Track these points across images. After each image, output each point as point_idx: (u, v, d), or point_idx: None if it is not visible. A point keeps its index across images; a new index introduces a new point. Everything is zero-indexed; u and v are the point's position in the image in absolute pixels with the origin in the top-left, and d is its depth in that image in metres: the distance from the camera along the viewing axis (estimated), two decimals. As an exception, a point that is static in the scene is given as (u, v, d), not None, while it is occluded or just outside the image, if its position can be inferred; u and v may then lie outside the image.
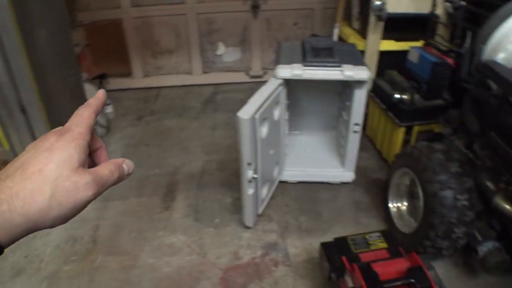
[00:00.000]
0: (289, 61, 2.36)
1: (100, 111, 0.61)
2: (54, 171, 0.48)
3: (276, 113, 2.37)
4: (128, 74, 4.29)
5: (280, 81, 2.28)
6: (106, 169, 0.55)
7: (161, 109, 3.94)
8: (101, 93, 0.62)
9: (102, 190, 0.53)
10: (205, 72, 4.39)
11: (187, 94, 4.25)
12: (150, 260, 2.26)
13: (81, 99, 2.56)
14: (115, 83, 4.26)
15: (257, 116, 1.98)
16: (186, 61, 4.30)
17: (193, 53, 4.26)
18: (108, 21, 3.99)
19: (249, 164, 2.05)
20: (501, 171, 1.79)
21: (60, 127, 0.56)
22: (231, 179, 2.78)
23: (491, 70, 1.66)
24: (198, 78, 4.40)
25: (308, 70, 2.29)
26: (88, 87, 3.23)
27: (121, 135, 3.49)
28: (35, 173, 0.47)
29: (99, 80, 3.66)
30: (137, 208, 2.66)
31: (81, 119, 0.55)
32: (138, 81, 4.33)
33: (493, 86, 1.79)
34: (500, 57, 1.73)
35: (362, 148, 3.18)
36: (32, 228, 0.47)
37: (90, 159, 0.61)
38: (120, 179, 0.57)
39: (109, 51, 4.12)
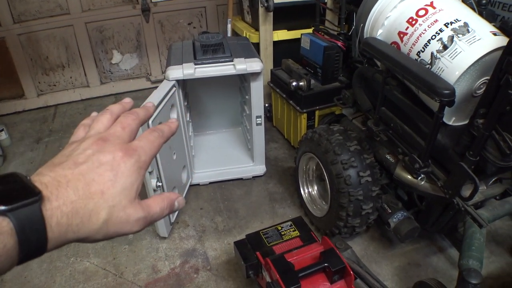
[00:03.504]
0: (180, 61, 2.28)
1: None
2: (115, 197, 0.46)
3: (173, 116, 2.29)
4: (20, 95, 3.98)
5: (172, 83, 2.20)
6: (158, 206, 0.52)
7: (61, 128, 3.70)
8: (174, 123, 0.61)
9: (146, 227, 0.51)
10: (103, 83, 4.18)
11: (87, 108, 4.02)
12: (63, 291, 2.10)
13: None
14: (7, 106, 3.93)
15: (150, 121, 1.89)
16: (81, 74, 4.06)
17: (87, 65, 4.03)
18: (-10, 41, 3.68)
19: (150, 172, 1.96)
20: (396, 143, 1.85)
21: (123, 135, 0.52)
22: (142, 192, 2.66)
23: (371, 46, 1.70)
24: (97, 90, 4.18)
25: (200, 68, 2.23)
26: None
27: (20, 161, 3.23)
28: (97, 193, 0.45)
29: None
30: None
31: (151, 147, 0.53)
32: (32, 101, 4.02)
33: (377, 62, 1.84)
34: (379, 33, 1.77)
35: (271, 139, 3.21)
36: (72, 241, 0.46)
37: None
38: (166, 216, 0.55)
39: (-4, 74, 3.81)
